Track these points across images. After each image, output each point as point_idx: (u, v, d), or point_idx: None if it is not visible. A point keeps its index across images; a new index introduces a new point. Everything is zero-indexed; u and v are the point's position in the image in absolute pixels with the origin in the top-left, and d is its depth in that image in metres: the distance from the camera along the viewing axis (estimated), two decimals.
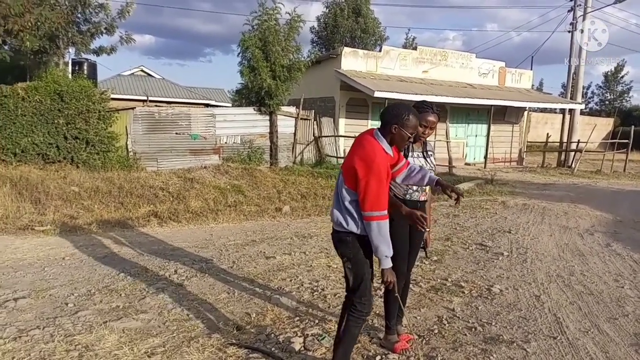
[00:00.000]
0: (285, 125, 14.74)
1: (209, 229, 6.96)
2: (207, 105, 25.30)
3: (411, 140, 2.71)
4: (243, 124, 14.19)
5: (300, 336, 3.26)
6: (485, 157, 18.08)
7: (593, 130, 18.72)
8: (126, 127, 12.38)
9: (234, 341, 3.19)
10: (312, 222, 7.54)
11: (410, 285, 4.39)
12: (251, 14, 12.72)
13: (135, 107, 13.23)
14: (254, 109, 13.71)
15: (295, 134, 15.01)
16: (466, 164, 18.60)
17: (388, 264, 2.53)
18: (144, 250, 5.57)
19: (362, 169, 2.47)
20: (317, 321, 3.55)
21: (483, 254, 5.59)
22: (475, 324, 3.58)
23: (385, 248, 2.50)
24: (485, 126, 18.60)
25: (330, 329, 3.40)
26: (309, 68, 14.82)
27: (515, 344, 3.24)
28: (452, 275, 4.74)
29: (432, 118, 3.06)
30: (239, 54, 13.18)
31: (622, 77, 48.16)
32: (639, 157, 24.09)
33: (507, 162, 19.70)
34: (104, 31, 13.03)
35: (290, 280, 4.52)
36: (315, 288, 4.31)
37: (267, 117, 13.85)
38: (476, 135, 19.29)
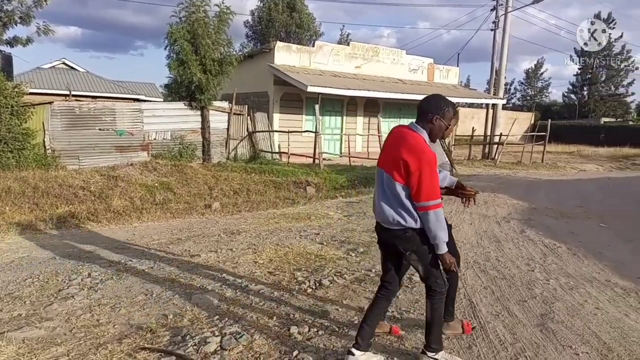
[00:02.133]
0: (218, 120, 14.43)
1: (132, 228, 6.66)
2: (136, 100, 24.24)
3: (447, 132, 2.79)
4: (173, 120, 13.74)
5: (217, 335, 3.17)
6: None
7: (513, 124, 19.80)
8: (43, 123, 11.59)
9: (145, 345, 3.05)
10: (242, 218, 7.42)
11: (335, 278, 4.43)
12: (178, 5, 12.27)
13: (52, 102, 12.40)
14: (184, 103, 13.25)
15: (228, 129, 14.74)
16: None
17: (445, 248, 2.62)
18: (57, 253, 5.22)
19: (413, 162, 2.51)
20: (237, 319, 3.47)
21: None
22: (395, 312, 3.65)
23: (443, 234, 2.58)
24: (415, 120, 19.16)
25: (249, 326, 3.33)
26: (241, 62, 14.59)
27: None
28: (376, 266, 4.80)
29: (455, 119, 3.04)
30: (166, 47, 12.68)
31: (542, 74, 51.48)
32: (555, 149, 25.86)
33: None
34: (19, 21, 12.09)
35: (214, 278, 4.40)
36: (238, 285, 4.22)
37: (199, 112, 13.43)
38: None
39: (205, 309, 3.69)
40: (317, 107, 13.34)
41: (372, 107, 18.12)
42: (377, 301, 2.91)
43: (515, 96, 53.44)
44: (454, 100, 18.61)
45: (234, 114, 14.85)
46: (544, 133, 19.31)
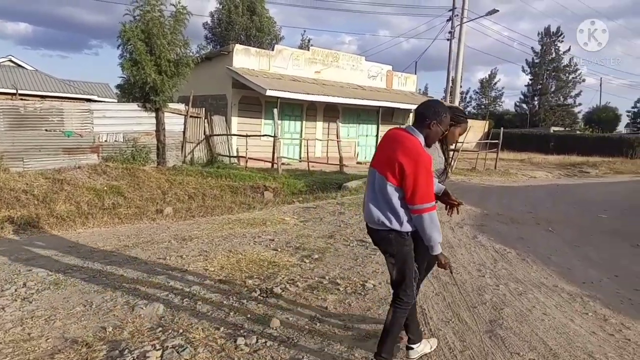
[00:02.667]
0: (174, 123, 14.06)
1: (76, 235, 6.32)
2: (88, 100, 23.32)
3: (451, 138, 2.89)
4: (126, 121, 13.27)
5: (158, 349, 3.00)
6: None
7: (468, 132, 20.28)
8: None
9: None
10: (195, 223, 7.19)
11: (287, 285, 4.33)
12: (132, 4, 11.89)
13: None
14: (138, 105, 12.82)
15: (184, 132, 14.39)
16: (358, 162, 19.20)
17: (440, 249, 2.66)
18: None
19: (409, 164, 2.53)
20: (181, 331, 3.30)
21: (362, 250, 5.70)
22: (346, 320, 3.58)
23: (437, 235, 2.61)
24: (374, 126, 19.37)
25: (194, 338, 3.18)
26: (198, 64, 14.29)
27: None
28: (330, 272, 4.74)
29: (465, 125, 3.10)
30: (119, 46, 12.24)
31: (495, 83, 53.32)
32: (508, 156, 26.72)
33: None
34: None
35: (160, 287, 4.20)
36: (186, 294, 4.04)
37: (153, 114, 13.04)
38: (367, 135, 20.03)
39: (149, 320, 3.50)
40: (275, 111, 13.22)
41: (331, 112, 18.16)
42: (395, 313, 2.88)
43: (471, 104, 55.13)
44: (409, 106, 18.90)
45: (191, 116, 14.50)
46: (497, 141, 19.91)
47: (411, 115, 21.66)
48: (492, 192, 11.98)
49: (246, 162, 13.95)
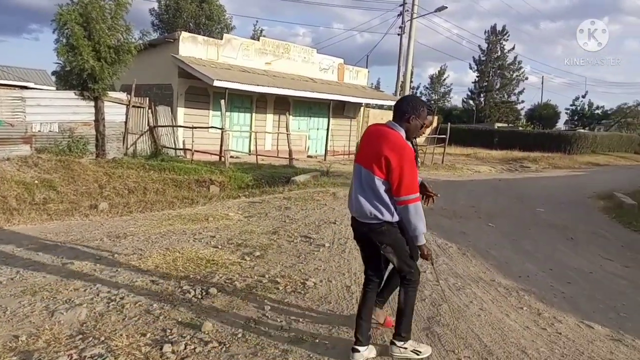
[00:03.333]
0: (115, 112, 13.40)
1: None
2: (23, 87, 21.85)
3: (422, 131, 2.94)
4: (62, 110, 12.49)
5: (75, 359, 2.76)
6: (326, 150, 18.78)
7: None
8: None
9: None
10: (132, 219, 6.83)
11: (224, 285, 4.15)
12: None
13: None
14: (75, 93, 12.10)
15: (126, 122, 13.75)
16: (308, 156, 19.11)
17: (424, 239, 2.80)
18: None
19: (395, 158, 2.64)
20: (103, 338, 3.06)
21: (306, 246, 5.59)
22: (284, 322, 3.45)
23: (422, 226, 2.74)
24: (326, 120, 19.30)
25: (116, 346, 2.95)
26: (142, 51, 13.64)
27: (318, 340, 3.19)
28: (270, 271, 4.60)
29: (431, 118, 3.06)
30: (54, 30, 11.48)
31: (444, 80, 54.58)
32: (455, 151, 27.44)
33: (346, 154, 20.75)
34: None
35: (85, 290, 3.91)
36: (113, 297, 3.78)
37: (92, 103, 12.35)
38: (318, 129, 19.94)
39: (69, 327, 3.24)
40: (223, 102, 12.85)
41: (282, 104, 17.92)
42: (366, 295, 3.04)
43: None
44: (361, 100, 18.97)
45: (133, 106, 13.86)
46: (444, 136, 20.36)
47: (362, 108, 21.80)
48: (437, 186, 12.06)
49: (192, 154, 13.51)
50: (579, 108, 50.34)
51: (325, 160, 17.55)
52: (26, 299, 3.70)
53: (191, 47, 15.41)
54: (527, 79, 48.11)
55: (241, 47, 16.83)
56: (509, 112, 46.91)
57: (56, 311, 3.47)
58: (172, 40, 15.46)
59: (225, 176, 11.56)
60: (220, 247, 5.40)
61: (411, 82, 54.36)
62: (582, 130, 38.51)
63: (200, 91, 15.51)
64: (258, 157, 14.89)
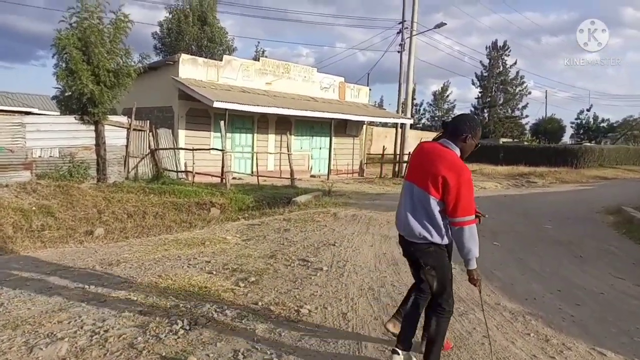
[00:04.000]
0: (115, 136, 13.39)
1: None
2: (27, 113, 22.04)
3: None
4: (62, 135, 12.51)
5: None
6: (328, 169, 18.66)
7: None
8: None
9: None
10: (127, 245, 6.68)
11: (215, 314, 3.96)
12: (68, 10, 11.25)
13: None
14: (75, 117, 12.11)
15: (127, 146, 13.73)
16: (312, 176, 19.00)
17: (475, 264, 2.73)
18: None
19: (453, 178, 2.58)
20: None
21: (303, 270, 5.40)
22: (274, 355, 3.26)
23: (475, 250, 2.67)
24: (328, 139, 19.21)
25: None
26: (143, 75, 13.70)
27: None
28: (264, 297, 4.41)
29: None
30: (54, 55, 11.55)
31: (448, 96, 54.68)
32: None
33: (349, 173, 20.64)
34: None
35: (69, 322, 3.74)
36: (97, 330, 3.60)
37: (92, 128, 12.34)
38: (320, 148, 19.86)
39: None
40: (222, 123, 12.81)
41: (284, 124, 17.88)
42: (415, 302, 3.00)
43: (425, 116, 56.26)
44: (363, 118, 18.91)
45: (134, 129, 13.87)
46: None
47: (364, 126, 21.73)
48: None
49: (193, 177, 13.44)
50: (584, 121, 50.15)
51: (328, 179, 17.41)
52: (6, 333, 3.53)
53: (191, 69, 15.47)
54: (530, 93, 48.19)
55: (241, 67, 16.88)
56: (514, 127, 46.79)
57: (35, 346, 3.30)
58: (172, 62, 15.54)
59: (226, 198, 11.43)
60: (214, 272, 5.23)
61: (414, 99, 54.46)
62: (589, 144, 38.22)
63: (201, 113, 15.51)
64: (260, 177, 14.80)
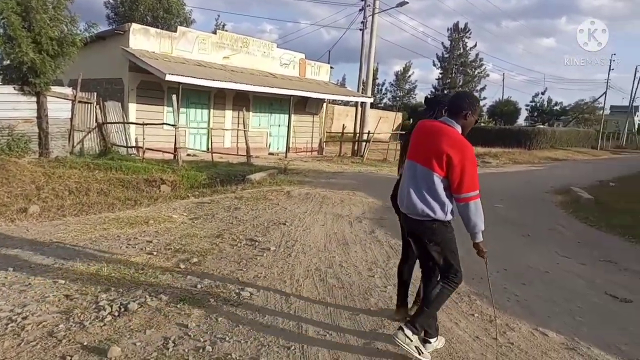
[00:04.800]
0: (59, 109, 12.60)
1: None
2: None
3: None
4: (0, 106, 11.63)
5: None
6: (287, 147, 18.36)
7: (379, 122, 20.53)
8: None
9: None
10: (63, 224, 6.25)
11: (148, 298, 3.71)
12: None
13: None
14: (14, 88, 11.28)
15: (72, 119, 12.95)
16: (270, 153, 18.66)
17: (481, 237, 2.80)
18: None
19: (456, 155, 2.63)
20: None
21: (250, 250, 5.19)
22: (207, 342, 3.05)
23: (481, 223, 2.74)
24: (287, 116, 18.84)
25: None
26: (90, 44, 12.92)
27: None
28: (205, 280, 4.18)
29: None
30: None
31: (409, 76, 54.91)
32: None
33: (308, 151, 20.41)
34: None
35: None
36: (15, 318, 3.28)
37: (34, 99, 11.54)
38: (279, 125, 19.50)
39: None
40: (174, 97, 12.26)
41: (242, 100, 17.37)
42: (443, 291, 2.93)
43: (387, 96, 56.42)
44: (323, 96, 18.62)
45: (80, 101, 13.08)
46: (404, 132, 20.25)
47: (324, 105, 21.47)
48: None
49: (143, 152, 12.88)
50: (538, 104, 51.61)
51: (286, 157, 17.13)
52: None
53: (143, 40, 14.68)
54: (488, 75, 49.05)
55: (197, 40, 16.19)
56: None
57: None
58: (122, 32, 14.68)
59: (177, 175, 11.00)
60: (155, 253, 4.94)
61: (376, 78, 54.40)
62: (542, 126, 39.42)
63: (154, 86, 14.82)
64: (216, 154, 14.37)
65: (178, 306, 3.58)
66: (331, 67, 23.13)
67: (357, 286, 4.20)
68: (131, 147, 14.01)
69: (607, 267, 5.77)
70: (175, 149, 12.50)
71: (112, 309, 3.47)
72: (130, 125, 14.25)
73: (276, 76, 18.58)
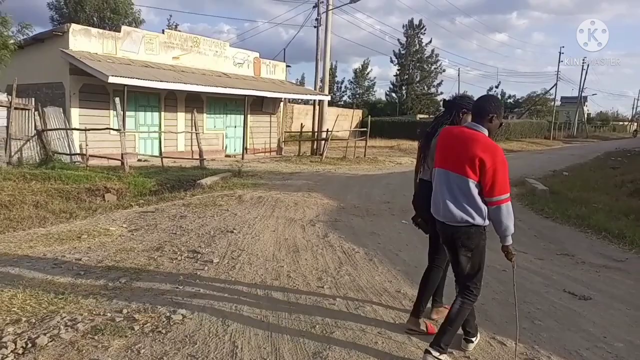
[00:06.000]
0: None
1: None
2: None
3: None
4: None
5: None
6: (243, 148, 17.86)
7: (337, 120, 20.27)
8: None
9: None
10: None
11: (62, 329, 3.24)
12: None
13: None
14: None
15: (8, 127, 12.03)
16: (227, 155, 18.12)
17: (511, 240, 2.79)
18: None
19: (489, 159, 2.65)
20: None
21: (191, 264, 4.76)
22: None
23: (512, 226, 2.73)
24: (243, 117, 18.33)
25: None
26: (25, 47, 12.10)
27: None
28: (133, 302, 3.73)
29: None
30: None
31: (368, 73, 55.09)
32: (379, 144, 27.54)
33: (267, 152, 19.96)
34: None
35: None
36: None
37: None
38: (235, 126, 18.96)
39: None
40: (118, 100, 11.59)
41: (194, 102, 16.73)
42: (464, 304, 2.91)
43: (346, 94, 56.43)
44: (280, 95, 18.25)
45: (16, 108, 12.18)
46: (365, 129, 20.13)
47: (282, 104, 21.05)
48: (354, 182, 11.74)
49: (87, 160, 12.12)
50: (455, 94, 52.73)
51: (243, 159, 16.64)
52: None
53: (84, 41, 13.87)
54: (444, 71, 49.76)
55: (143, 40, 15.47)
56: (430, 103, 48.20)
57: None
58: (60, 33, 13.81)
59: (123, 183, 10.39)
60: (83, 273, 4.45)
61: (335, 76, 54.36)
62: None
63: (97, 89, 14.02)
64: (170, 159, 13.80)
65: (96, 337, 3.14)
66: (288, 66, 22.75)
67: (303, 301, 3.85)
68: (75, 154, 13.19)
69: (564, 261, 5.66)
70: (122, 154, 11.82)
71: (16, 345, 3.00)
72: (74, 131, 13.42)
73: (229, 76, 18.04)
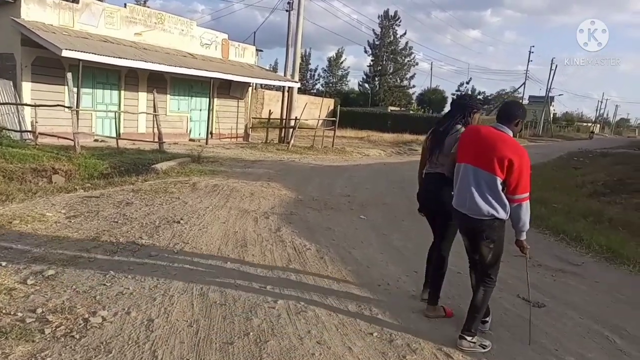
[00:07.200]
0: None
1: None
2: None
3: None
4: None
5: None
6: (208, 133, 17.33)
7: (305, 108, 19.92)
8: None
9: None
10: None
11: None
12: None
13: None
14: None
15: None
16: (190, 139, 17.54)
17: (525, 235, 3.11)
18: None
19: (517, 159, 2.92)
20: None
21: (125, 257, 4.39)
22: None
23: (528, 222, 3.06)
24: (208, 100, 17.74)
25: None
26: None
27: None
28: (51, 300, 3.37)
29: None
30: None
31: (342, 63, 54.78)
32: (349, 134, 27.30)
33: (233, 138, 19.45)
34: None
35: None
36: None
37: None
38: (200, 110, 18.35)
39: None
40: (70, 75, 10.94)
41: (158, 82, 16.04)
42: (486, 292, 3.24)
43: (320, 82, 55.99)
44: (248, 80, 17.72)
45: None
46: (334, 119, 19.85)
47: (250, 89, 20.52)
48: (317, 172, 11.46)
49: (36, 137, 11.43)
50: (463, 93, 53.35)
51: (207, 144, 16.11)
52: None
53: (38, 11, 13.01)
54: (417, 64, 49.90)
55: (103, 13, 14.65)
56: (402, 96, 48.37)
57: None
58: (12, 1, 12.86)
59: (73, 164, 9.83)
60: (4, 264, 4.02)
61: (309, 64, 53.79)
62: None
63: (53, 63, 13.21)
64: (128, 141, 13.19)
65: (1, 340, 2.77)
66: (259, 50, 22.17)
67: (241, 302, 3.55)
68: (26, 131, 12.42)
69: (520, 264, 5.53)
70: (74, 134, 11.17)
71: None
72: (25, 107, 12.63)
73: (195, 57, 17.38)
